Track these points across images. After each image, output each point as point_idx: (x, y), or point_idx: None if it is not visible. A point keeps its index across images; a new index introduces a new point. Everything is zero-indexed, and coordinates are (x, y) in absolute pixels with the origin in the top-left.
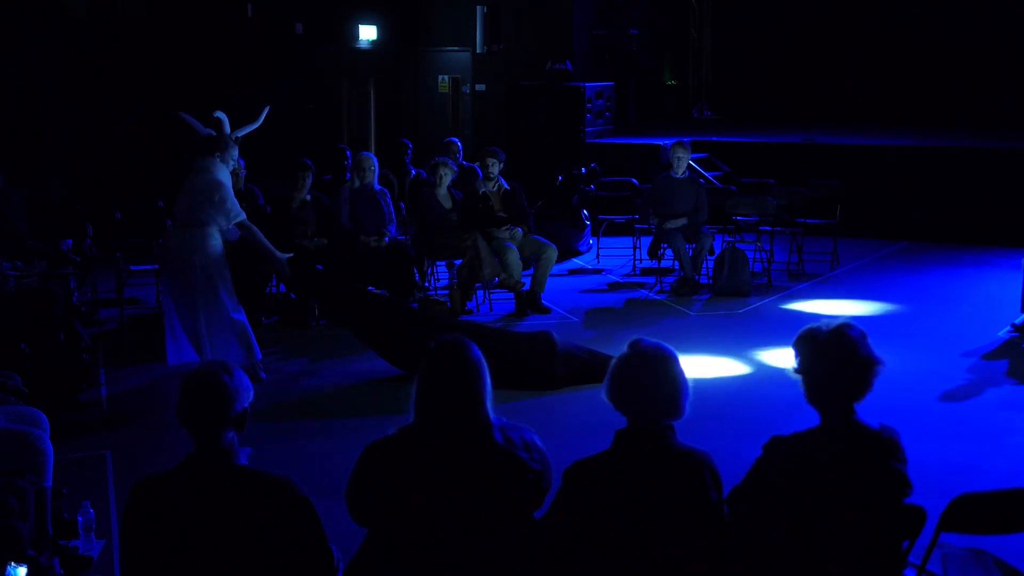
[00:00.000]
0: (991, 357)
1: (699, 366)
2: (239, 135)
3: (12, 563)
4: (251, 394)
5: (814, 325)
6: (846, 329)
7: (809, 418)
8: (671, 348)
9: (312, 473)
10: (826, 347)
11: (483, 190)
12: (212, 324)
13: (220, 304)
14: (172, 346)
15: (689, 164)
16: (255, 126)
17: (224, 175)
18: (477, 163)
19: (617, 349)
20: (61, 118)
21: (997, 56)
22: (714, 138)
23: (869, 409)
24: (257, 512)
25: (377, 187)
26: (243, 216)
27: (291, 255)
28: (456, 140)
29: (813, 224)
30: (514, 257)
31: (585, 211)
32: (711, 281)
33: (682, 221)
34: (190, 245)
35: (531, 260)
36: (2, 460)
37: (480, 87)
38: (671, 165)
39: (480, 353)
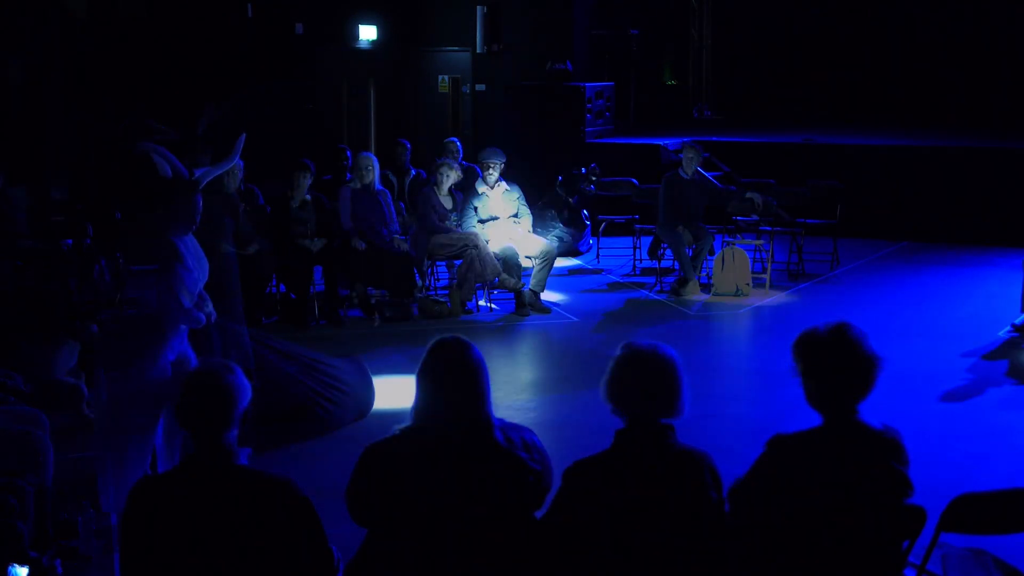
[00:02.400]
0: (991, 357)
1: (699, 366)
2: (202, 177)
3: (14, 564)
4: (250, 393)
5: (813, 327)
6: (847, 329)
7: (810, 418)
8: (668, 347)
9: (312, 473)
10: (828, 348)
11: (482, 190)
12: None
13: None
14: None
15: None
16: (228, 165)
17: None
18: (477, 163)
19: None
20: (61, 118)
21: (997, 56)
22: (714, 138)
23: (869, 409)
24: (257, 512)
25: (378, 187)
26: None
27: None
28: (456, 140)
29: (813, 224)
30: (514, 257)
31: (585, 211)
32: (711, 281)
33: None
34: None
35: (531, 260)
36: (2, 460)
37: (480, 87)
38: (679, 164)
39: (480, 353)
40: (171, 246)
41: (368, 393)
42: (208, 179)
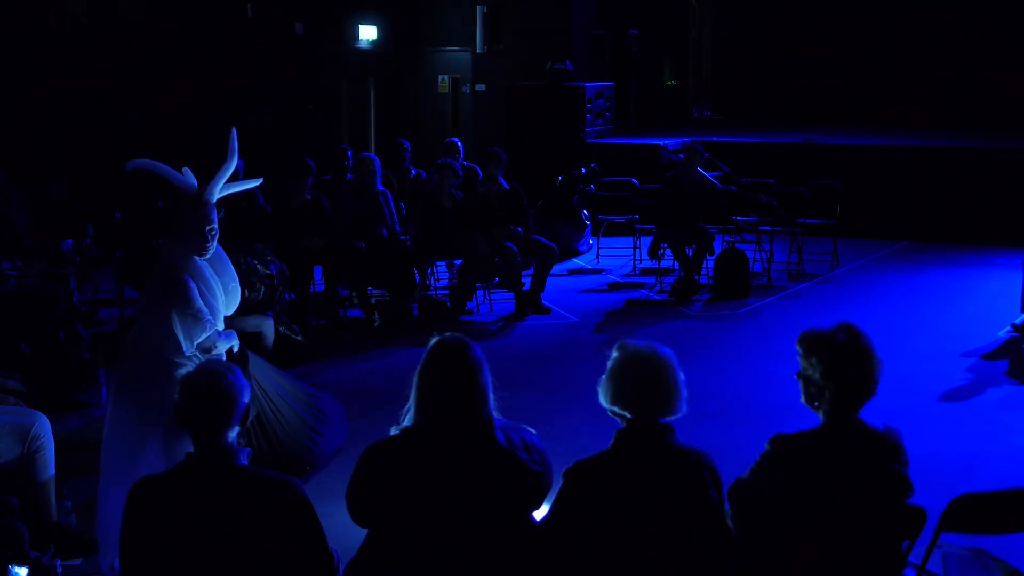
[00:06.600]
0: (991, 357)
1: (699, 366)
2: (210, 186)
3: (14, 564)
4: (248, 391)
5: (820, 328)
6: (859, 330)
7: (810, 418)
8: (664, 347)
9: (312, 473)
10: (847, 349)
11: (483, 190)
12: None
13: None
14: None
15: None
16: (231, 168)
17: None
18: (477, 163)
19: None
20: (61, 118)
21: (998, 56)
22: (714, 138)
23: (870, 409)
24: (257, 512)
25: (379, 187)
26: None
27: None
28: (457, 140)
29: (813, 224)
30: (514, 257)
31: (585, 211)
32: (711, 281)
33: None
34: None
35: (531, 260)
36: (3, 452)
37: (480, 87)
38: (679, 165)
39: (480, 353)
40: (178, 279)
41: (344, 425)
42: (217, 186)
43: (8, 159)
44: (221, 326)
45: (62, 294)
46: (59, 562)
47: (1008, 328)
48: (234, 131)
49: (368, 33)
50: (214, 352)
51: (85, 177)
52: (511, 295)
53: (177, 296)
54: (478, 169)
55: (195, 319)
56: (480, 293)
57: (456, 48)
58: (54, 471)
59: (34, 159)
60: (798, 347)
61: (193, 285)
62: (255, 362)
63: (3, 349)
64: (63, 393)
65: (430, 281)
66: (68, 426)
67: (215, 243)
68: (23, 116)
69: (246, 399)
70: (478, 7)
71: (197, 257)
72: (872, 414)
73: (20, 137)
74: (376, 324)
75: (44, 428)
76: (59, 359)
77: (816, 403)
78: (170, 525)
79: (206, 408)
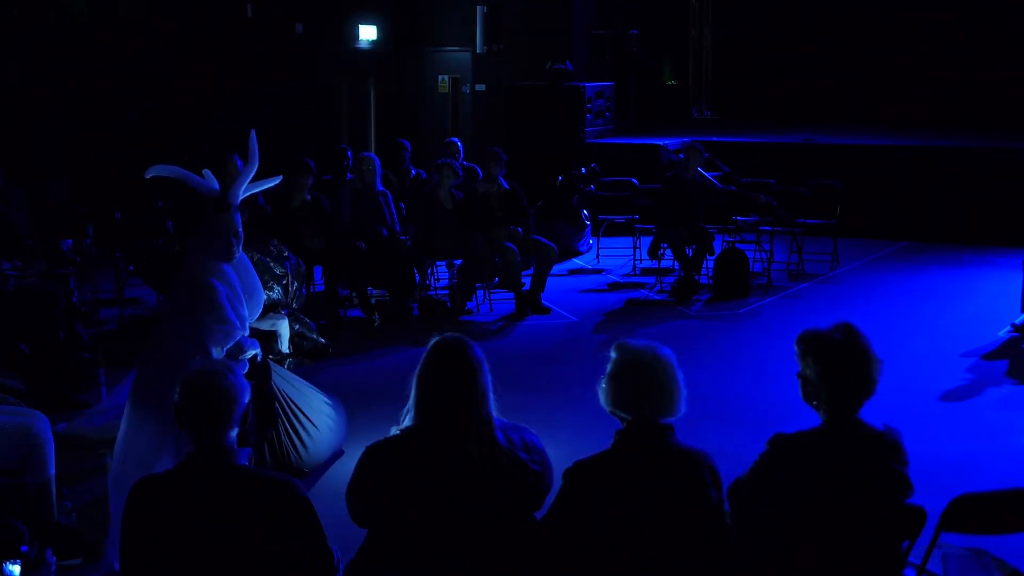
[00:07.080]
0: (991, 357)
1: (699, 366)
2: (235, 190)
3: (8, 561)
4: (249, 391)
5: (818, 329)
6: (857, 330)
7: (810, 418)
8: (664, 347)
9: (313, 474)
10: (841, 349)
11: (483, 190)
12: None
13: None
14: None
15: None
16: (253, 171)
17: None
18: (477, 163)
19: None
20: (61, 118)
21: (997, 56)
22: (714, 138)
23: (869, 409)
24: (257, 512)
25: (379, 187)
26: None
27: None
28: (457, 140)
29: (813, 224)
30: (514, 257)
31: (585, 211)
32: (711, 281)
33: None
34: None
35: (531, 260)
36: (3, 452)
37: (480, 87)
38: (679, 165)
39: (480, 353)
40: (206, 284)
41: (344, 425)
42: (240, 189)
43: (8, 159)
44: (247, 332)
45: (62, 294)
46: (49, 552)
47: (1008, 328)
48: (253, 133)
49: (368, 33)
50: (240, 358)
51: (85, 177)
52: (511, 295)
53: (207, 303)
54: (478, 169)
55: (223, 325)
56: (480, 293)
57: (456, 48)
58: (54, 471)
59: (34, 159)
60: (796, 347)
61: (222, 289)
62: (277, 370)
63: (3, 349)
64: (63, 393)
65: (430, 281)
66: (68, 426)
67: (240, 247)
68: (23, 116)
69: (246, 399)
70: (478, 7)
71: (223, 263)
72: (872, 414)
73: (20, 137)
74: (376, 324)
75: (44, 428)
76: (59, 359)
77: (815, 403)
78: (170, 525)
79: (205, 408)
